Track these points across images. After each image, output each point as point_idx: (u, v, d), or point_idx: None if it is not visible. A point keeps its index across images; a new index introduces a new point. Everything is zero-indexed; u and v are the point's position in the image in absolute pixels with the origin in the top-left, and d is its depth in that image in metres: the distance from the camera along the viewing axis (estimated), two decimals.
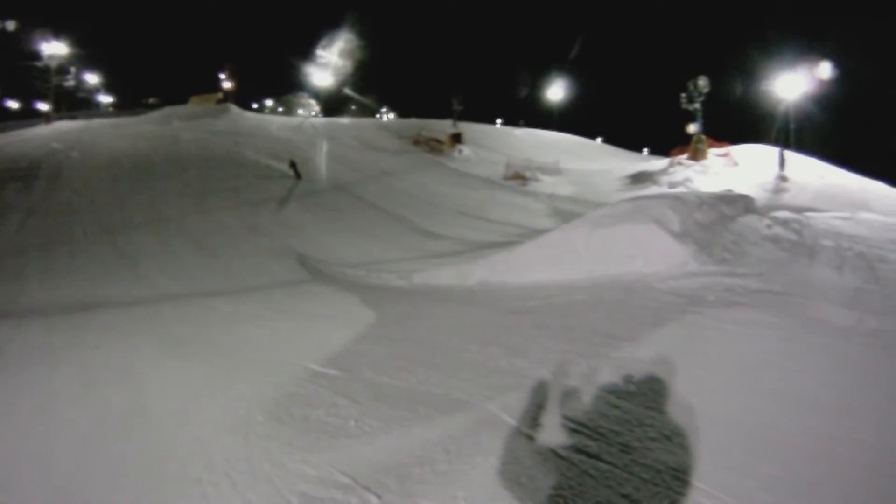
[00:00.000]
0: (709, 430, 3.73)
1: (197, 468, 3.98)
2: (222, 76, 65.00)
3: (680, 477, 3.27)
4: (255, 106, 73.22)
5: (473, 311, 8.16)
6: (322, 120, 50.84)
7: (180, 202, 22.17)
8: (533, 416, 4.11)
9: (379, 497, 3.37)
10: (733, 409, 4.07)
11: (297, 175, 27.51)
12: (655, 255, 9.15)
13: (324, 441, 4.17)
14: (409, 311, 8.66)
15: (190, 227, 18.87)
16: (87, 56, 57.39)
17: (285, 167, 27.90)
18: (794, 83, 29.49)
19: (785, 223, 12.24)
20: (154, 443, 4.50)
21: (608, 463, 3.44)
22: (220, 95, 62.20)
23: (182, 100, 59.55)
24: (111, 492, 3.89)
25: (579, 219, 12.35)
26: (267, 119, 50.10)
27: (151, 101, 56.50)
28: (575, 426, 3.87)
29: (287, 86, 74.82)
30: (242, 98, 64.56)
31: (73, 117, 48.13)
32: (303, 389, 5.25)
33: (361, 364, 5.79)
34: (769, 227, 11.67)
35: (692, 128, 32.60)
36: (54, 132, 39.23)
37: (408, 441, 4.03)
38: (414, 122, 49.75)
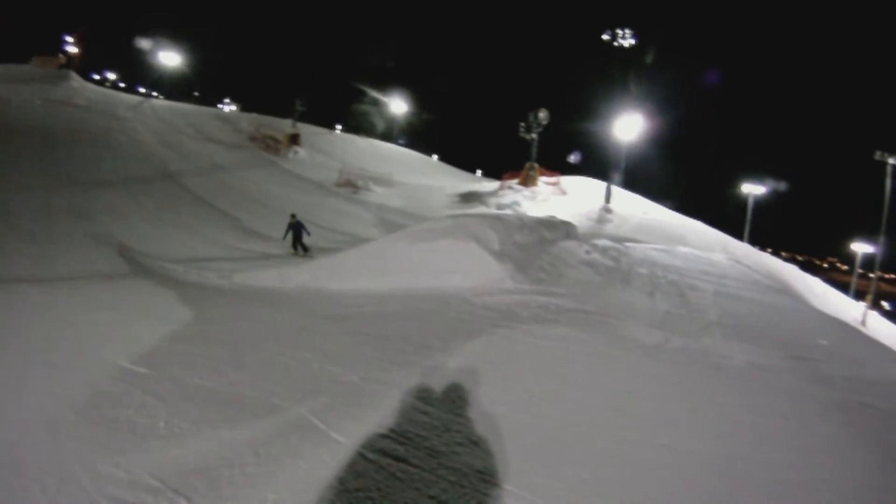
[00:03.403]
0: (516, 436, 3.99)
1: (3, 471, 3.62)
2: (69, 39, 57.36)
3: (487, 479, 3.45)
4: (96, 77, 66.68)
5: (291, 315, 8.05)
6: (162, 102, 47.26)
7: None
8: (342, 420, 4.13)
9: (189, 500, 3.29)
10: (541, 417, 4.40)
11: (301, 244, 17.32)
12: (473, 271, 9.66)
13: (133, 442, 3.98)
14: (226, 311, 8.37)
15: (7, 203, 16.60)
16: None
17: (117, 147, 24.80)
18: (628, 126, 32.67)
19: (604, 251, 13.48)
20: None
21: (415, 466, 3.54)
22: (62, 59, 54.74)
23: (24, 59, 51.49)
24: None
25: (402, 231, 12.69)
26: (107, 93, 45.54)
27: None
28: (383, 431, 3.95)
29: (134, 61, 68.51)
30: (86, 67, 57.86)
31: None
32: (114, 388, 4.93)
33: (173, 363, 5.55)
34: (588, 252, 12.77)
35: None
36: None
37: (217, 443, 3.93)
38: (254, 118, 47.79)
